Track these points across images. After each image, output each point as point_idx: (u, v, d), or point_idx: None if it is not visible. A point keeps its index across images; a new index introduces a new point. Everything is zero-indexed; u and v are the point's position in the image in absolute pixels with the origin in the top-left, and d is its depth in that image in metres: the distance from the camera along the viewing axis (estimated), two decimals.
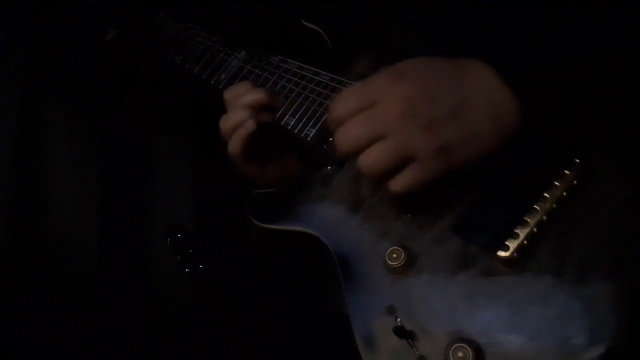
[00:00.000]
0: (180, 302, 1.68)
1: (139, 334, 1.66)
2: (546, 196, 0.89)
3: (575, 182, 0.89)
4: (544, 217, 0.89)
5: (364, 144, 0.91)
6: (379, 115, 0.91)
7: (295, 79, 1.22)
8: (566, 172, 0.90)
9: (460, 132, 0.89)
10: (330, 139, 1.12)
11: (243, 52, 1.34)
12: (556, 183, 0.89)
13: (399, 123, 0.89)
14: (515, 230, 0.89)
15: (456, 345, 0.86)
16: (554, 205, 0.89)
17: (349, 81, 1.15)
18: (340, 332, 1.01)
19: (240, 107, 1.16)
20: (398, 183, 0.92)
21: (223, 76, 1.34)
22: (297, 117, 1.18)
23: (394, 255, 0.96)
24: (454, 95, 0.90)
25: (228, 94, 1.21)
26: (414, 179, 0.90)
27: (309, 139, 1.15)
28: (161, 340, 1.67)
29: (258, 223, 1.16)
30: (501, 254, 0.89)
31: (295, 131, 1.17)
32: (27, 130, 1.68)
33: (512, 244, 0.88)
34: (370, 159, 0.91)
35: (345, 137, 0.94)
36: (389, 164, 0.91)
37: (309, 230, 1.09)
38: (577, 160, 0.90)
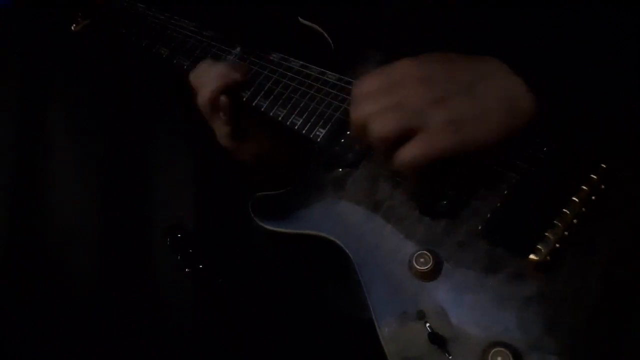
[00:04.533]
0: (180, 302, 1.68)
1: (139, 333, 1.66)
2: (575, 200, 0.89)
3: (602, 186, 0.89)
4: (574, 221, 0.88)
5: (373, 115, 0.91)
6: (392, 91, 0.92)
7: (300, 78, 1.19)
8: (592, 176, 0.90)
9: (471, 108, 0.89)
10: (342, 140, 1.10)
11: (238, 48, 1.29)
12: (583, 187, 0.89)
13: (411, 95, 0.90)
14: (546, 234, 0.88)
15: (495, 349, 0.84)
16: (583, 209, 0.88)
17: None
18: (352, 335, 1.00)
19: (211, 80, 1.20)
20: (404, 154, 0.89)
21: None
22: (304, 117, 1.14)
23: (422, 260, 0.93)
24: (469, 75, 0.91)
25: (193, 76, 1.23)
26: (421, 149, 0.88)
27: (318, 140, 1.12)
28: (161, 339, 1.67)
29: (264, 226, 1.12)
30: (533, 257, 0.88)
31: (303, 132, 1.13)
32: (27, 130, 1.68)
33: (544, 247, 0.87)
34: (379, 126, 0.90)
35: (359, 107, 0.94)
36: (397, 131, 0.89)
37: (322, 234, 1.05)
38: (603, 165, 0.90)
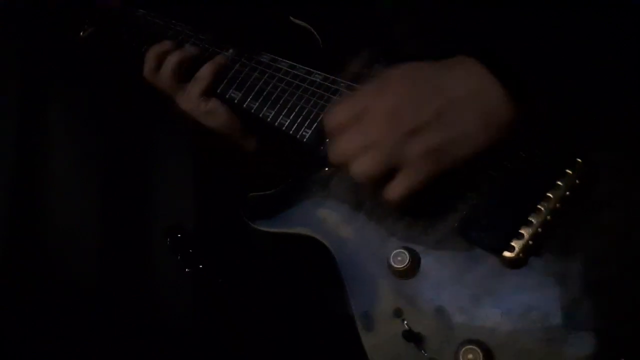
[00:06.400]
0: (180, 302, 1.68)
1: (139, 333, 1.66)
2: (549, 196, 0.89)
3: (577, 181, 0.89)
4: (549, 217, 0.88)
5: (352, 155, 0.94)
6: (364, 127, 0.93)
7: (288, 79, 1.21)
8: (568, 171, 0.90)
9: (447, 133, 0.90)
10: (327, 140, 1.11)
11: (231, 51, 1.31)
12: (559, 183, 0.89)
13: (384, 132, 0.91)
14: (520, 231, 0.88)
15: (466, 347, 0.85)
16: (558, 205, 0.89)
17: (343, 80, 1.14)
18: (345, 333, 1.01)
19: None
20: (392, 191, 0.93)
21: None
22: (291, 117, 1.16)
23: (399, 258, 0.95)
24: (439, 99, 0.91)
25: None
26: (406, 184, 0.92)
27: (305, 140, 1.14)
28: (161, 339, 1.67)
29: (254, 226, 1.15)
30: (507, 254, 0.88)
31: (291, 132, 1.15)
32: (27, 131, 1.68)
33: (518, 244, 0.88)
34: (360, 168, 0.93)
35: (336, 149, 0.97)
36: (379, 172, 0.92)
37: (308, 233, 1.08)
38: (579, 160, 0.90)
